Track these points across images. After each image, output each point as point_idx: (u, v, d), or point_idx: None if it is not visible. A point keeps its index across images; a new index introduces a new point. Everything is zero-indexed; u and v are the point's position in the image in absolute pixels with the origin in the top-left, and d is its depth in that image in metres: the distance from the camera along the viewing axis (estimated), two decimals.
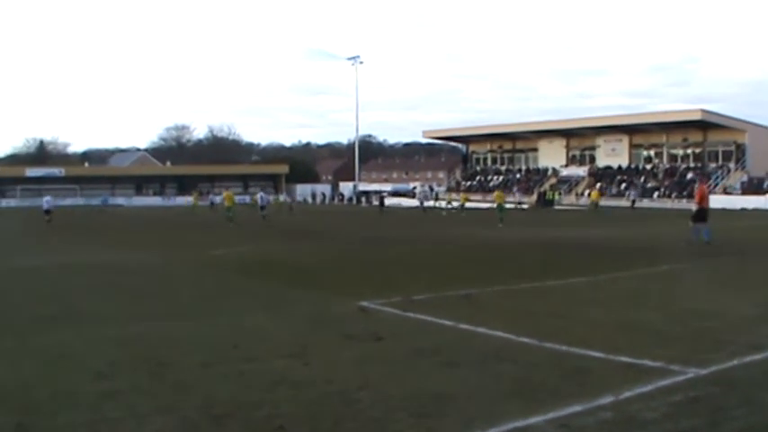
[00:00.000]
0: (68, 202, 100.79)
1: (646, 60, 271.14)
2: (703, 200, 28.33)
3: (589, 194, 78.15)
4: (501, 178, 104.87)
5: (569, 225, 46.13)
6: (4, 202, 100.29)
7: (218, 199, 76.81)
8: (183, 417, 7.55)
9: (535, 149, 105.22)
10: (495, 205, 52.14)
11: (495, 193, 54.55)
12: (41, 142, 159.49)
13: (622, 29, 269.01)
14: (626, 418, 7.27)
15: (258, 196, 61.53)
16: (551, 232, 37.85)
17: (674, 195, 78.59)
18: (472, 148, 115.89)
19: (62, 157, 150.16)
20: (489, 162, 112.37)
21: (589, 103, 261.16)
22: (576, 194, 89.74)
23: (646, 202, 77.54)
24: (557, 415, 7.30)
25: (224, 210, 53.87)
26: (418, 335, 11.69)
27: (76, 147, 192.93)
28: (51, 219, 52.75)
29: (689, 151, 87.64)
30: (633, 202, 76.22)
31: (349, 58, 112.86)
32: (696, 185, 37.73)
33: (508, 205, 58.14)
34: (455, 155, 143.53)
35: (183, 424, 7.35)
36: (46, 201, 56.71)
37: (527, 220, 53.93)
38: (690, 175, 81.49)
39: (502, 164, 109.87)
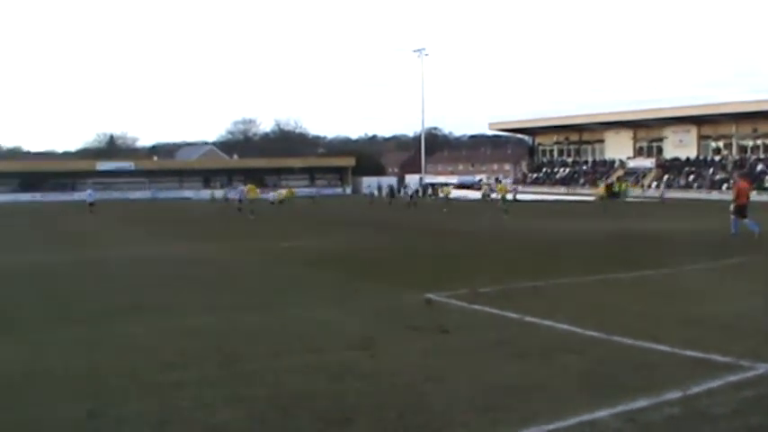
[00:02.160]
0: (138, 195, 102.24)
1: (714, 50, 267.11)
2: (741, 196, 27.92)
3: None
4: (567, 170, 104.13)
5: (637, 217, 45.69)
6: (76, 195, 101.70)
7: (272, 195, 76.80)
8: (250, 407, 7.64)
9: (602, 141, 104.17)
10: (499, 196, 56.02)
11: (499, 186, 59.61)
12: (111, 137, 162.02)
13: (690, 18, 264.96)
14: (694, 413, 7.20)
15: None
16: (619, 224, 37.45)
17: None
18: (538, 139, 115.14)
19: (131, 151, 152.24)
20: (555, 154, 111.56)
21: (656, 95, 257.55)
22: (642, 186, 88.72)
23: (715, 195, 76.25)
24: (623, 409, 7.25)
25: (247, 203, 54.74)
26: (484, 327, 11.70)
27: (145, 141, 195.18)
28: (94, 210, 58.27)
29: (759, 142, 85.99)
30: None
31: (414, 51, 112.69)
32: (732, 182, 37.10)
33: (576, 198, 57.83)
34: (521, 147, 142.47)
35: (250, 414, 7.44)
36: (89, 194, 64.95)
37: (594, 212, 53.41)
38: (760, 167, 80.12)
39: (568, 156, 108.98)
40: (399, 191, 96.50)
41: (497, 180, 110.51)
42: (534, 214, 51.08)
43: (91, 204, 61.37)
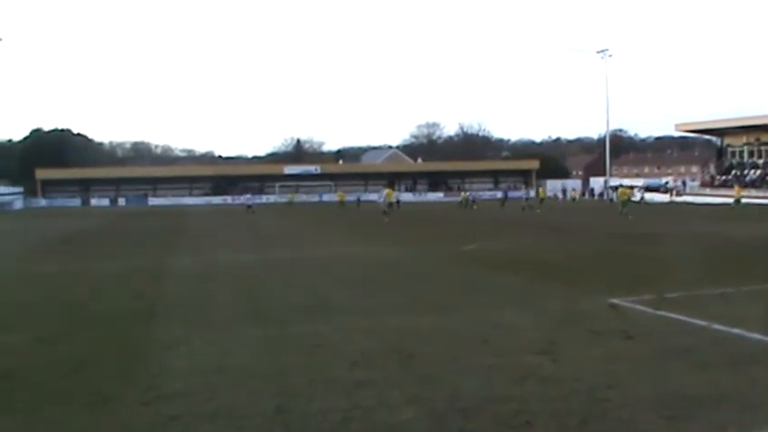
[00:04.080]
0: (325, 198, 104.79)
1: None
2: None
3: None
4: (758, 172, 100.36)
5: None
6: (264, 198, 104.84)
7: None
8: (431, 408, 7.76)
9: None
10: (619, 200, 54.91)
11: (620, 190, 59.22)
12: (298, 141, 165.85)
13: None
14: None
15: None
16: None
17: None
18: (727, 141, 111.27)
19: (317, 155, 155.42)
20: (746, 155, 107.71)
21: None
22: None
23: None
24: None
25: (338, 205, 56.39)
26: (669, 334, 11.45)
27: (331, 145, 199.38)
28: (254, 211, 67.10)
29: None
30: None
31: (598, 52, 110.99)
32: None
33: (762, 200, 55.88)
34: (709, 148, 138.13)
35: (431, 415, 7.55)
36: (247, 198, 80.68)
37: None
38: None
39: (759, 157, 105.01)
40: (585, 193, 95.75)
41: (684, 183, 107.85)
42: (722, 217, 49.44)
43: (248, 207, 70.85)
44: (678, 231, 36.64)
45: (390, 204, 55.02)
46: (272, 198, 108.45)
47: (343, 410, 7.71)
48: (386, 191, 59.56)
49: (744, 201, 66.97)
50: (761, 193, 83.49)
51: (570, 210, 61.83)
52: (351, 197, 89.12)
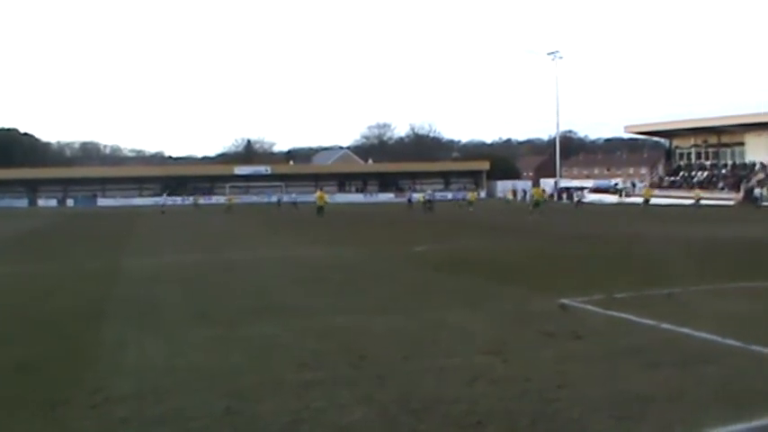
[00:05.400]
0: (274, 199, 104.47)
1: None
2: None
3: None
4: (705, 174, 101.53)
5: None
6: (214, 199, 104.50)
7: None
8: (382, 409, 7.73)
9: (742, 143, 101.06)
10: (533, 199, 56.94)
11: (534, 190, 62.81)
12: (249, 142, 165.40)
13: None
14: None
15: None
16: (759, 230, 36.37)
17: None
18: (675, 142, 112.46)
19: (268, 156, 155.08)
20: (693, 157, 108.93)
21: None
22: None
23: None
24: (763, 423, 7.06)
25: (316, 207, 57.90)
26: (619, 334, 11.53)
27: (281, 146, 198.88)
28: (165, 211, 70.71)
29: None
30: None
31: (549, 54, 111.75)
32: None
33: (711, 201, 56.71)
34: (658, 150, 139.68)
35: (382, 416, 7.53)
36: (163, 198, 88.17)
37: (733, 217, 52.05)
38: None
39: (706, 159, 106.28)
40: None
41: (633, 184, 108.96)
42: (670, 219, 50.02)
43: (163, 206, 75.25)
44: (628, 232, 37.02)
45: (321, 208, 55.75)
46: (222, 199, 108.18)
47: (293, 411, 7.65)
48: (318, 192, 60.01)
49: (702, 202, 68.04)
50: (708, 195, 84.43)
51: (520, 210, 61.99)
52: (297, 198, 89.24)
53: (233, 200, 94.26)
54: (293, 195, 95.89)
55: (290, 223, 50.44)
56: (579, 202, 79.22)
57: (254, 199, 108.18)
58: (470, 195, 77.24)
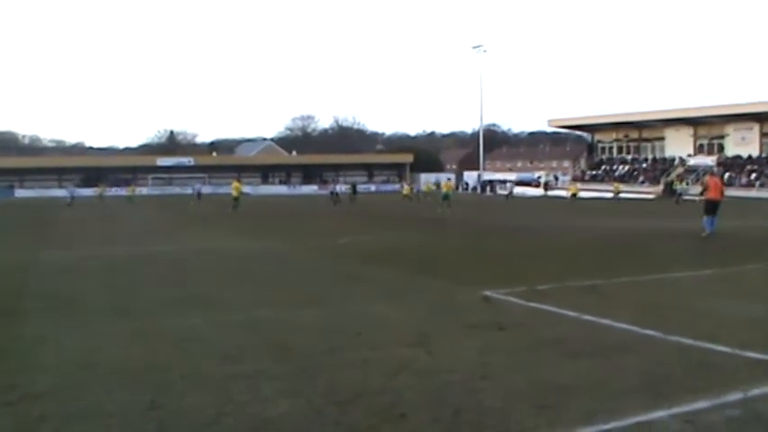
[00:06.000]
0: (189, 191, 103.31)
1: None
2: (708, 192, 28.69)
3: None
4: (626, 167, 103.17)
5: (697, 215, 45.03)
6: (137, 191, 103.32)
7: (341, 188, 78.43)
8: (307, 401, 7.68)
9: (662, 138, 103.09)
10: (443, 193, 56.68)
11: (443, 183, 62.53)
12: (172, 133, 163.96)
13: (755, 14, 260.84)
14: (755, 415, 7.09)
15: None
16: (679, 223, 37.00)
17: None
18: (598, 137, 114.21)
19: (191, 147, 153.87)
20: (615, 151, 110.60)
21: (718, 91, 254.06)
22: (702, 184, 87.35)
23: None
24: (681, 410, 7.17)
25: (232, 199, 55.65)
26: (541, 325, 11.63)
27: (205, 137, 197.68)
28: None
29: None
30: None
31: (473, 47, 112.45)
32: (705, 178, 37.79)
33: (631, 195, 57.61)
34: (580, 144, 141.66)
35: (307, 408, 7.49)
36: (69, 191, 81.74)
37: (653, 210, 52.91)
38: None
39: (628, 153, 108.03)
40: (458, 187, 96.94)
41: (555, 177, 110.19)
42: (592, 212, 50.67)
43: (72, 199, 74.46)
44: (550, 225, 37.42)
45: (236, 199, 54.71)
46: (144, 190, 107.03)
47: (217, 405, 7.57)
48: (234, 183, 59.31)
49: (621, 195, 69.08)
50: (629, 188, 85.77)
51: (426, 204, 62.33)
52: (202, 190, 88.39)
53: (134, 190, 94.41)
54: (197, 186, 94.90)
55: (213, 215, 49.93)
56: (510, 194, 79.85)
57: (177, 190, 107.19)
58: (406, 189, 77.10)
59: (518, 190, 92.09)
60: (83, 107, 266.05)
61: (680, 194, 68.78)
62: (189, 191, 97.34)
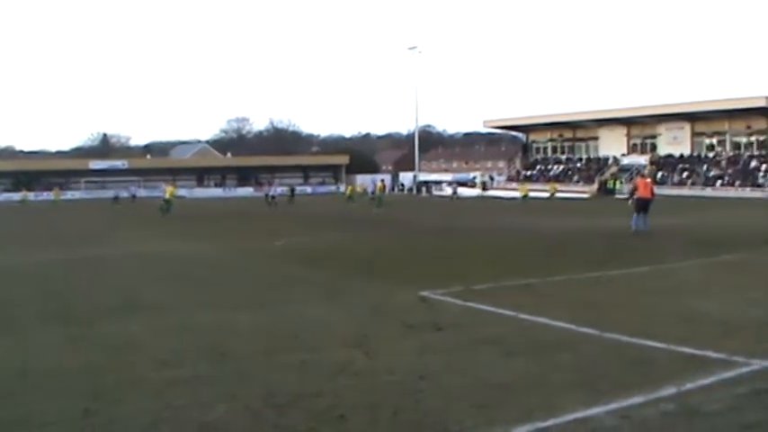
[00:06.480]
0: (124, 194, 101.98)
1: (708, 45, 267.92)
2: (638, 191, 29.82)
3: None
4: (561, 167, 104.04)
5: (630, 214, 45.55)
6: (69, 194, 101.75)
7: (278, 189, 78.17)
8: (245, 405, 7.64)
9: (596, 138, 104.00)
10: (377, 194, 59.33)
11: (377, 184, 64.88)
12: (105, 136, 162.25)
13: (686, 14, 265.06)
14: (689, 409, 7.19)
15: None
16: (613, 221, 37.39)
17: (737, 184, 77.22)
18: (532, 137, 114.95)
19: (125, 150, 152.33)
20: (549, 151, 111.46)
21: (650, 91, 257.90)
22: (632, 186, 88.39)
23: (708, 191, 76.28)
24: (618, 406, 7.26)
25: (162, 202, 55.04)
26: (479, 325, 11.69)
27: (139, 140, 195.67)
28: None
29: (752, 139, 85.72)
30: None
31: (408, 48, 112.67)
32: (635, 179, 39.29)
33: (566, 194, 58.22)
34: (515, 144, 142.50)
35: (245, 412, 7.44)
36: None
37: (588, 209, 53.49)
38: (754, 163, 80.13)
39: (562, 153, 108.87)
40: (393, 188, 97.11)
41: (491, 177, 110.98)
42: (528, 211, 51.07)
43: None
44: (487, 225, 37.63)
45: (168, 201, 53.96)
46: (77, 194, 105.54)
47: (154, 411, 7.48)
48: (168, 186, 58.76)
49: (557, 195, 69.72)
50: (564, 188, 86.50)
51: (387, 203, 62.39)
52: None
53: (59, 194, 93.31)
54: (126, 189, 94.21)
55: (146, 219, 49.43)
56: (455, 194, 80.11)
57: (111, 194, 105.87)
58: (349, 189, 76.94)
59: (459, 190, 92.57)
60: (13, 110, 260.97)
61: (611, 192, 69.46)
62: (110, 194, 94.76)
